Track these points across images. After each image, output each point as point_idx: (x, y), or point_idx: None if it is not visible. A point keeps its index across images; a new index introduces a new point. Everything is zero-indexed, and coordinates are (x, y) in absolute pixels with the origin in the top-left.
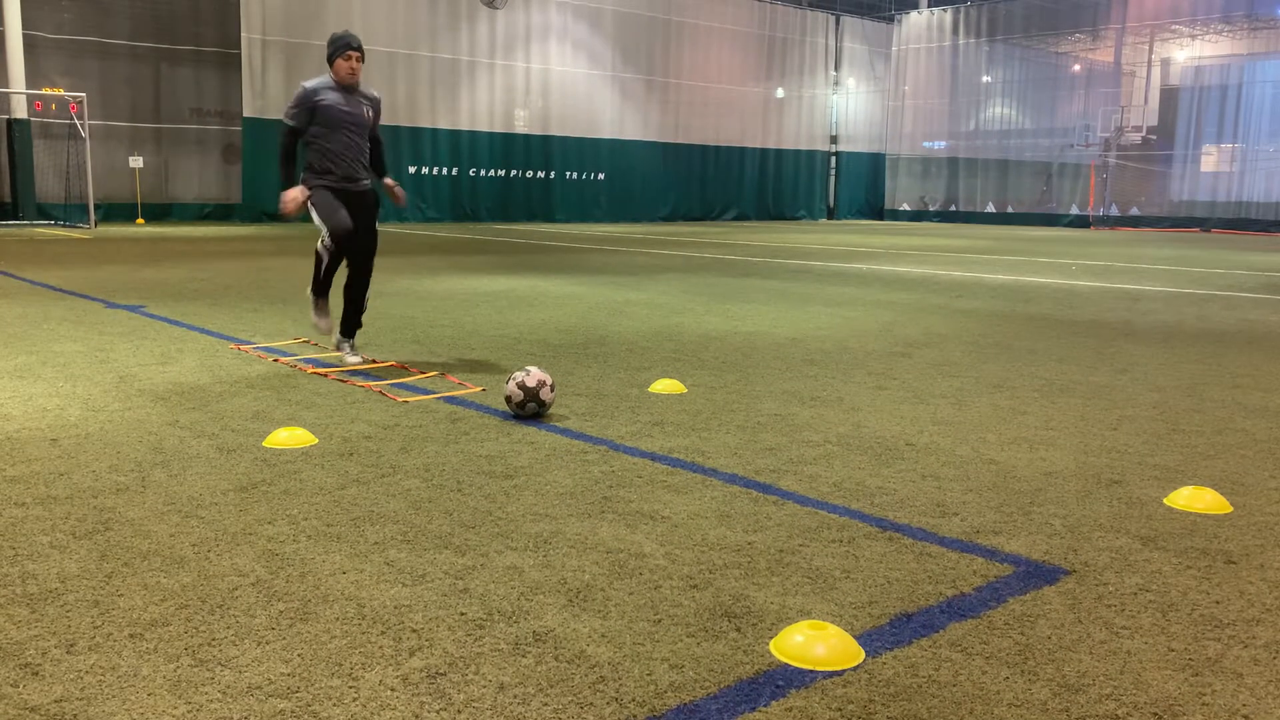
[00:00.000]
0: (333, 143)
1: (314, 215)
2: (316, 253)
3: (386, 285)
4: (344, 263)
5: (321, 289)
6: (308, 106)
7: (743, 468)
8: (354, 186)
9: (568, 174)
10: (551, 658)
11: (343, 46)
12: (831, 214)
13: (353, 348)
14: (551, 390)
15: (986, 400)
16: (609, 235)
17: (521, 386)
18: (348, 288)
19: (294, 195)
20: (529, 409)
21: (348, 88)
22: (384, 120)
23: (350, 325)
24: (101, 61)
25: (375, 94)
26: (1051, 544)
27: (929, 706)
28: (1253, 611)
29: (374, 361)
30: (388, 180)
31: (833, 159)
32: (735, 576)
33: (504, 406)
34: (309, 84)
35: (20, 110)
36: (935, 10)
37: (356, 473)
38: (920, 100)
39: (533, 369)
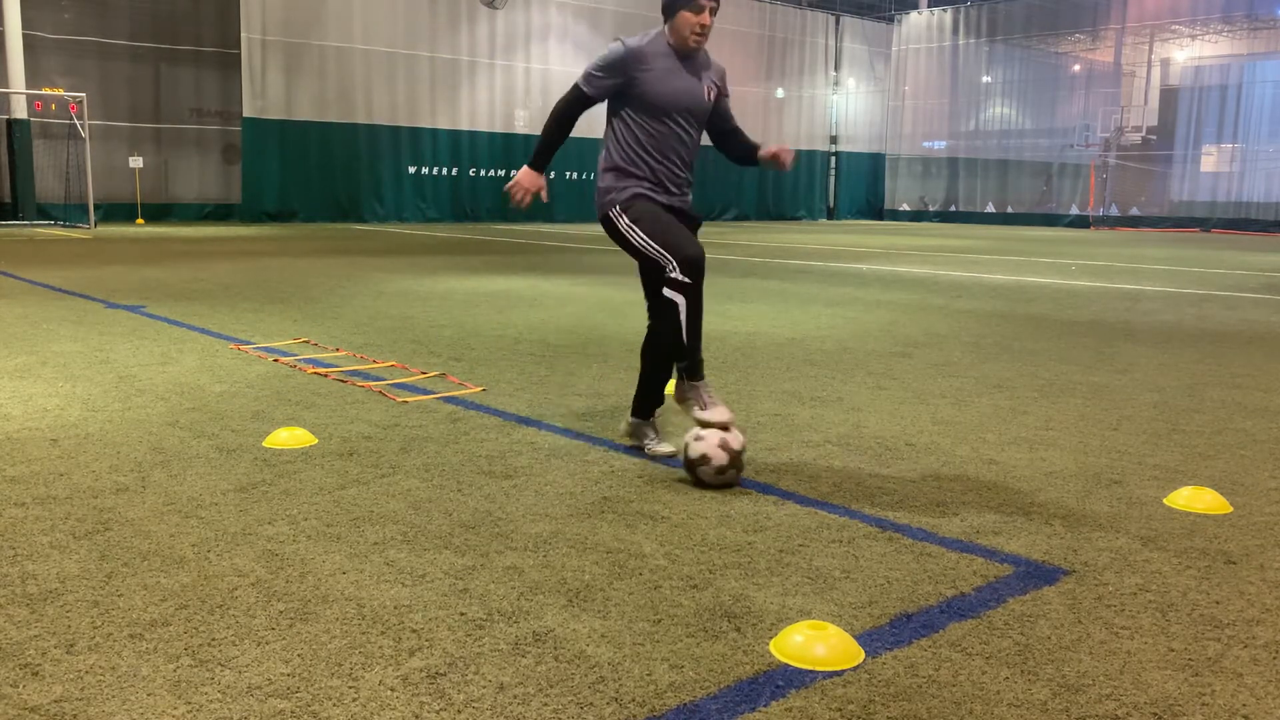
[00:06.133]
0: (654, 134)
1: (637, 239)
2: (666, 301)
3: (386, 285)
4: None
5: (696, 362)
6: (624, 76)
7: None
8: (673, 200)
9: (568, 174)
10: (551, 658)
11: None
12: (831, 214)
13: (654, 428)
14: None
15: (986, 400)
16: None
17: (725, 447)
18: (654, 342)
19: (530, 183)
20: (725, 476)
21: (687, 55)
22: (384, 120)
23: (653, 401)
24: (101, 61)
25: (719, 63)
26: (1051, 544)
27: (929, 706)
28: (1253, 611)
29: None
30: (769, 147)
31: (832, 159)
32: (735, 576)
33: (505, 407)
34: (631, 42)
35: (20, 110)
36: (935, 10)
37: (356, 473)
38: (920, 100)
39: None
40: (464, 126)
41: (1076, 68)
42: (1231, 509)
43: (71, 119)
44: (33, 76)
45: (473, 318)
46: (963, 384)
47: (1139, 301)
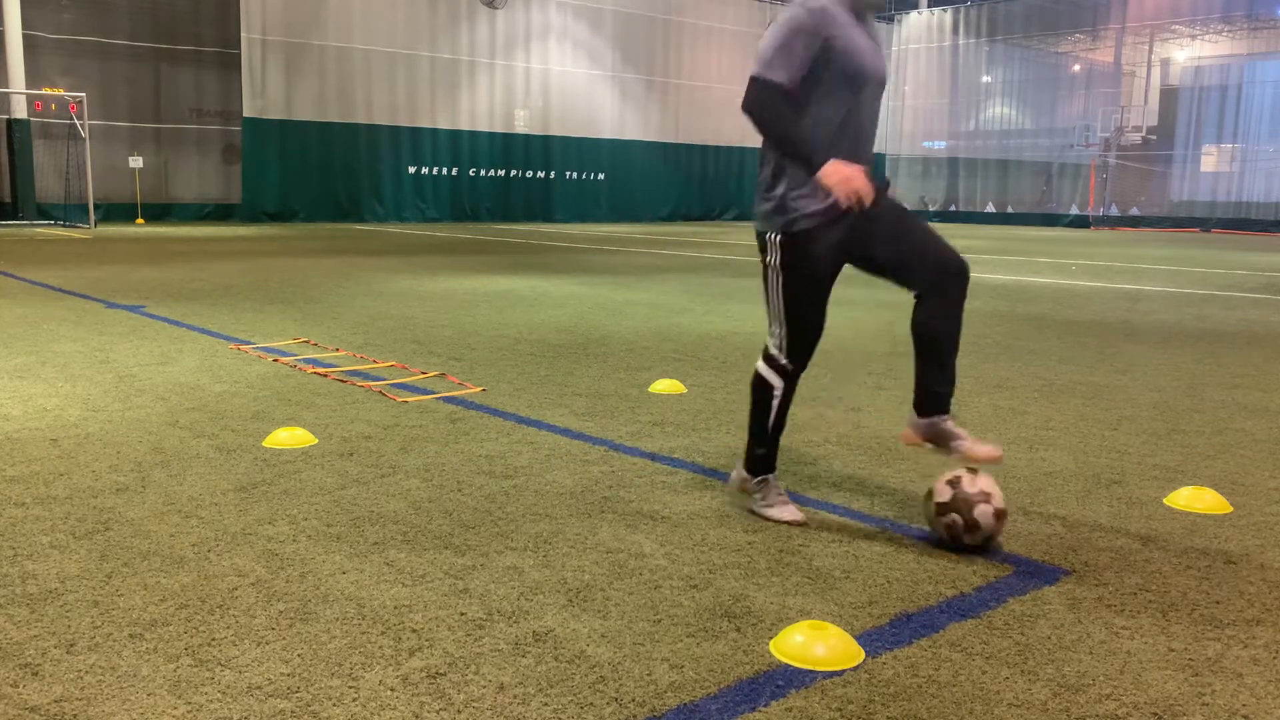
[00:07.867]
0: (847, 112)
1: (773, 288)
2: (757, 377)
3: (386, 285)
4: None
5: (769, 455)
6: (820, 39)
7: None
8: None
9: (568, 174)
10: (551, 658)
11: None
12: None
13: (953, 430)
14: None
15: (986, 400)
16: (609, 235)
17: (1000, 516)
18: (926, 324)
19: (854, 170)
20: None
21: (862, 15)
22: (384, 120)
23: (937, 395)
24: (101, 61)
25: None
26: (1051, 544)
27: (929, 706)
28: (1253, 611)
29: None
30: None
31: None
32: (735, 576)
33: (505, 407)
34: (813, 3)
35: (20, 110)
36: (935, 10)
37: (356, 473)
38: (920, 100)
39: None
40: (464, 126)
41: (1076, 68)
42: (1231, 509)
43: (71, 119)
44: (33, 76)
45: (473, 318)
46: (963, 384)
47: (1139, 301)
